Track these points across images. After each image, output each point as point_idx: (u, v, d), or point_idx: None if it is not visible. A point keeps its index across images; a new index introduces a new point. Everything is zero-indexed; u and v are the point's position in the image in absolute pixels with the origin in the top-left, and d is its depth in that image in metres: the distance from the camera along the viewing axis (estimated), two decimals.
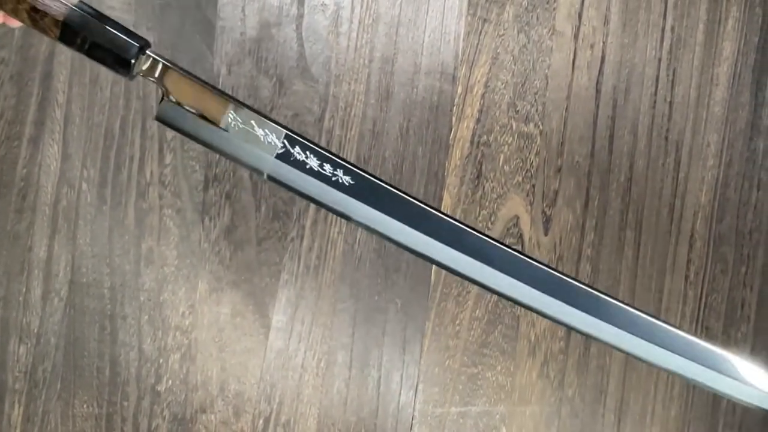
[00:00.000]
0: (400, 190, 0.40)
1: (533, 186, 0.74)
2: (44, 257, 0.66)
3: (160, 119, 0.39)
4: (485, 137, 0.74)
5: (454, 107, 0.73)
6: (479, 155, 0.74)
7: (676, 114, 0.76)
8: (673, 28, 0.76)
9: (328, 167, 0.39)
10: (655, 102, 0.76)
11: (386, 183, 0.39)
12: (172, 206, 0.68)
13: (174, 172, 0.68)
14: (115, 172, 0.67)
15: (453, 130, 0.73)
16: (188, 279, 0.68)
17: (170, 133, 0.68)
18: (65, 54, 0.67)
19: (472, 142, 0.73)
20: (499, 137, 0.74)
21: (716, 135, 0.76)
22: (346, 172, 0.39)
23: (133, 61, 0.38)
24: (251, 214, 0.69)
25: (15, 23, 0.39)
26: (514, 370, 0.74)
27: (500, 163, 0.74)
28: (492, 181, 0.74)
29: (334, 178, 0.39)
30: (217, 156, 0.69)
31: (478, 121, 0.74)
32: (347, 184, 0.39)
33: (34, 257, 0.66)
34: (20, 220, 0.66)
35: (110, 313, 0.67)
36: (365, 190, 0.39)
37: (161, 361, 0.68)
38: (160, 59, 0.39)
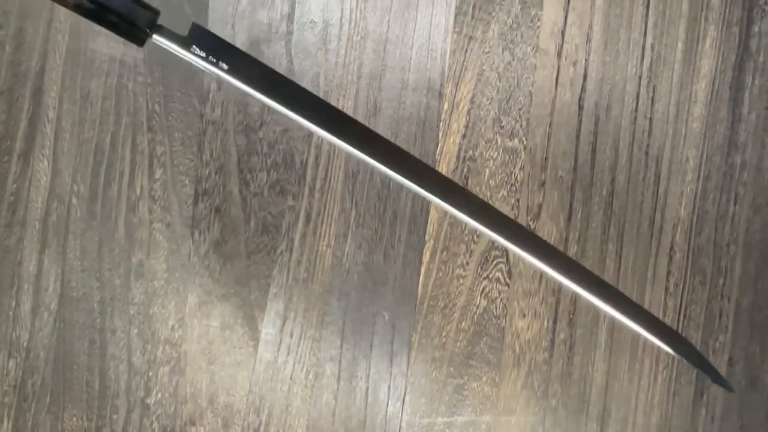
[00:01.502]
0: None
1: (518, 200, 0.76)
2: (34, 271, 0.66)
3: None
4: (471, 152, 0.75)
5: (441, 122, 0.75)
6: (465, 170, 0.75)
7: (656, 130, 0.78)
8: (653, 47, 0.78)
9: None
10: (635, 118, 0.78)
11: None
12: (161, 220, 0.69)
13: (164, 187, 0.69)
14: (105, 186, 0.68)
15: (439, 145, 0.75)
16: (178, 292, 0.69)
17: (160, 148, 0.69)
18: (56, 70, 0.67)
19: (458, 157, 0.75)
20: (484, 152, 0.75)
21: (695, 150, 0.79)
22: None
23: (147, 33, 0.40)
24: (240, 228, 0.70)
25: None
26: (499, 381, 0.75)
27: (485, 178, 0.75)
28: (478, 195, 0.75)
29: None
30: (207, 171, 0.70)
31: (464, 136, 0.75)
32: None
33: (23, 271, 0.66)
34: (10, 235, 0.66)
35: (100, 326, 0.67)
36: None
37: (150, 374, 0.68)
38: (171, 31, 0.41)
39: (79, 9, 0.39)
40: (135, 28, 0.40)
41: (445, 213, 0.75)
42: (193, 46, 0.42)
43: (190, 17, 0.70)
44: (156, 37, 0.41)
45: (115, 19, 0.40)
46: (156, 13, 0.40)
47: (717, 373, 0.51)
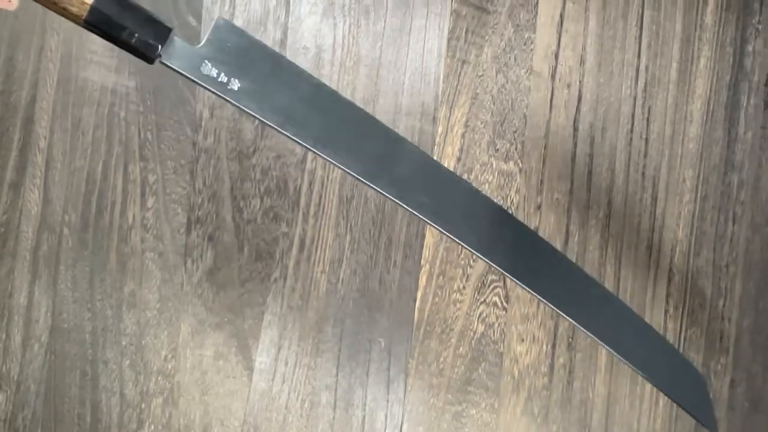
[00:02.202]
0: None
1: None
2: (25, 303, 0.65)
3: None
4: (466, 175, 0.75)
5: (436, 146, 0.74)
6: None
7: (652, 150, 0.77)
8: (647, 67, 0.78)
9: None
10: (631, 139, 0.77)
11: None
12: (154, 249, 0.68)
13: (156, 216, 0.68)
14: (96, 216, 0.67)
15: None
16: (171, 322, 0.68)
17: (152, 177, 0.68)
18: (47, 99, 0.67)
19: None
20: (479, 175, 0.75)
21: (691, 170, 0.78)
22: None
23: (159, 48, 0.38)
24: (234, 256, 0.70)
25: (10, 5, 0.39)
26: (498, 407, 0.74)
27: None
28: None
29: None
30: (200, 198, 0.69)
31: (458, 159, 0.75)
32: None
33: (14, 303, 0.65)
34: (0, 267, 0.65)
35: (91, 358, 0.66)
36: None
37: (143, 406, 0.67)
38: (185, 43, 0.38)
39: (89, 26, 0.37)
40: (146, 44, 0.38)
41: (441, 237, 0.74)
42: (205, 62, 0.38)
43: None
44: (165, 57, 0.38)
45: (126, 35, 0.38)
46: (168, 29, 0.38)
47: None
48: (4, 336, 0.65)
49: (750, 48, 0.79)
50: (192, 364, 0.68)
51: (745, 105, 0.79)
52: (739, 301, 0.79)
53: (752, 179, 0.78)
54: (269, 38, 0.71)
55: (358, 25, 0.73)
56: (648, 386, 0.76)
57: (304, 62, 0.72)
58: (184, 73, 0.38)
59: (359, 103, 0.73)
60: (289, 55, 0.71)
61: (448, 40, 0.74)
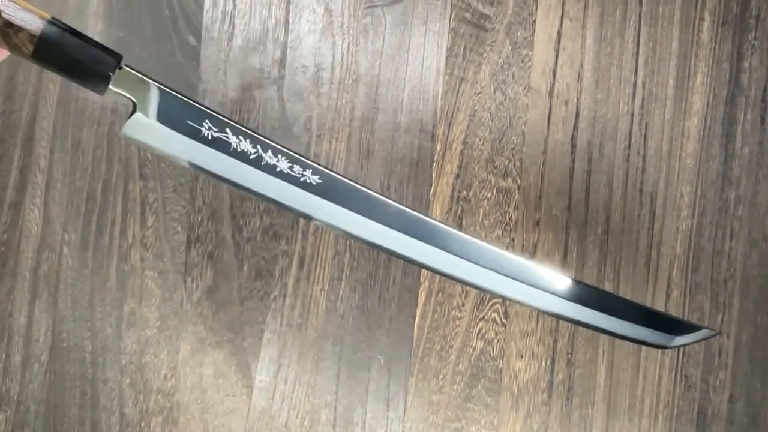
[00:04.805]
0: (364, 186, 0.44)
1: (513, 239, 0.75)
2: (25, 323, 0.66)
3: (128, 136, 0.39)
4: (465, 192, 0.75)
5: (434, 163, 0.75)
6: (459, 210, 0.75)
7: (649, 167, 0.78)
8: (644, 84, 0.78)
9: (297, 168, 0.41)
10: (628, 155, 0.78)
11: (351, 180, 0.43)
12: (154, 268, 0.68)
13: (156, 234, 0.68)
14: (96, 235, 0.67)
15: (433, 185, 0.74)
16: (170, 341, 0.68)
17: (152, 196, 0.69)
18: (47, 119, 0.67)
19: (452, 198, 0.75)
20: (478, 192, 0.75)
21: (689, 186, 0.78)
22: (315, 172, 0.42)
23: (110, 74, 0.38)
24: (233, 274, 0.70)
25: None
26: (498, 424, 0.74)
27: (480, 218, 0.75)
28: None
29: (302, 179, 0.41)
30: (200, 217, 0.70)
31: (457, 176, 0.75)
32: (315, 183, 0.42)
33: (14, 323, 0.65)
34: (0, 286, 0.66)
35: (91, 377, 0.67)
36: (331, 188, 0.42)
37: (143, 424, 0.67)
38: (134, 72, 0.39)
39: (36, 59, 0.37)
40: (95, 75, 0.37)
41: None
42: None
43: (182, 65, 0.70)
44: (112, 87, 0.38)
45: (75, 67, 0.37)
46: (118, 58, 0.38)
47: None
48: (4, 356, 0.65)
49: (746, 64, 0.79)
50: (192, 382, 0.68)
51: (741, 120, 0.79)
52: (738, 316, 0.79)
53: (749, 195, 0.79)
54: (268, 57, 0.72)
55: (357, 43, 0.73)
56: (647, 401, 0.76)
57: (303, 81, 0.72)
58: (131, 98, 0.39)
59: (359, 121, 0.73)
60: (287, 74, 0.72)
61: (447, 58, 0.75)
